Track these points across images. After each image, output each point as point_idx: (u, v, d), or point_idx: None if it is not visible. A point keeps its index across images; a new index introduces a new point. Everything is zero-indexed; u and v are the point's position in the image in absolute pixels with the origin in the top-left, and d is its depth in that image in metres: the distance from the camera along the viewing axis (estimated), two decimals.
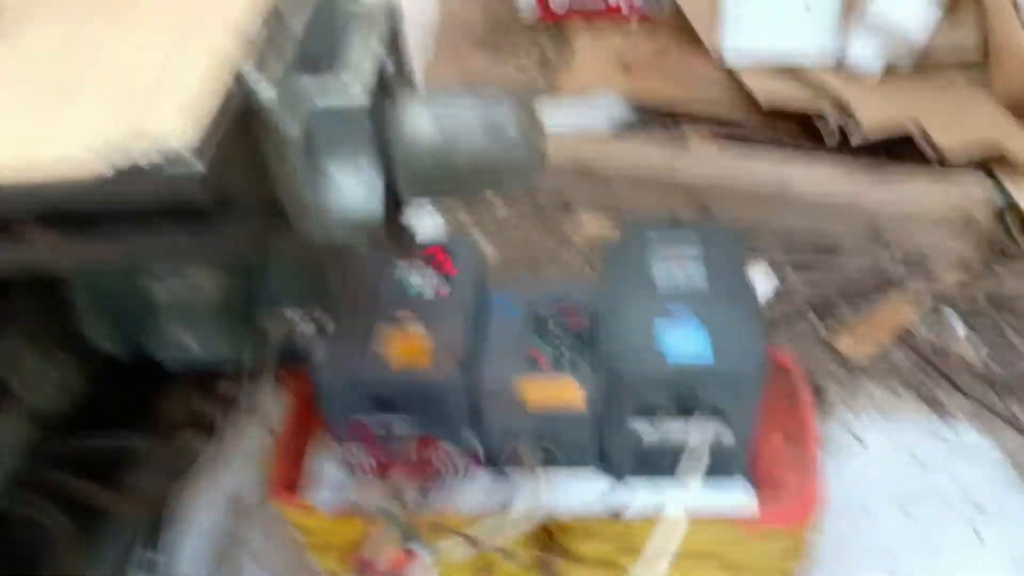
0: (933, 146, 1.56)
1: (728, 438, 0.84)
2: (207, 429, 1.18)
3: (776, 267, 1.60)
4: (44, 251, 0.53)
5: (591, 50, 2.09)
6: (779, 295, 1.55)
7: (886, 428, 1.32)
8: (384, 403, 0.85)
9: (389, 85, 0.61)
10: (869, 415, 1.35)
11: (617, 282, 0.90)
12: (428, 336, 0.87)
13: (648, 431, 0.84)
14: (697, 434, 0.83)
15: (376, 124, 0.57)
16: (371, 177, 0.57)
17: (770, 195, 1.63)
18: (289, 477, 0.96)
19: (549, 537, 0.96)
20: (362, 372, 0.84)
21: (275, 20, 0.57)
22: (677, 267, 0.90)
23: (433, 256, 0.96)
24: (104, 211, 0.51)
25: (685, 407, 0.82)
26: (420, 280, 0.93)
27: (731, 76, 1.81)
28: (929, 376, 1.39)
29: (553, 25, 2.19)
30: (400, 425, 0.87)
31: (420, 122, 0.60)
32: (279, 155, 0.54)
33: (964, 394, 1.35)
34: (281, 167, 0.55)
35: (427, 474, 0.88)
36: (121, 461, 1.12)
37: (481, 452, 0.91)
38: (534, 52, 2.24)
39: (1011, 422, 1.31)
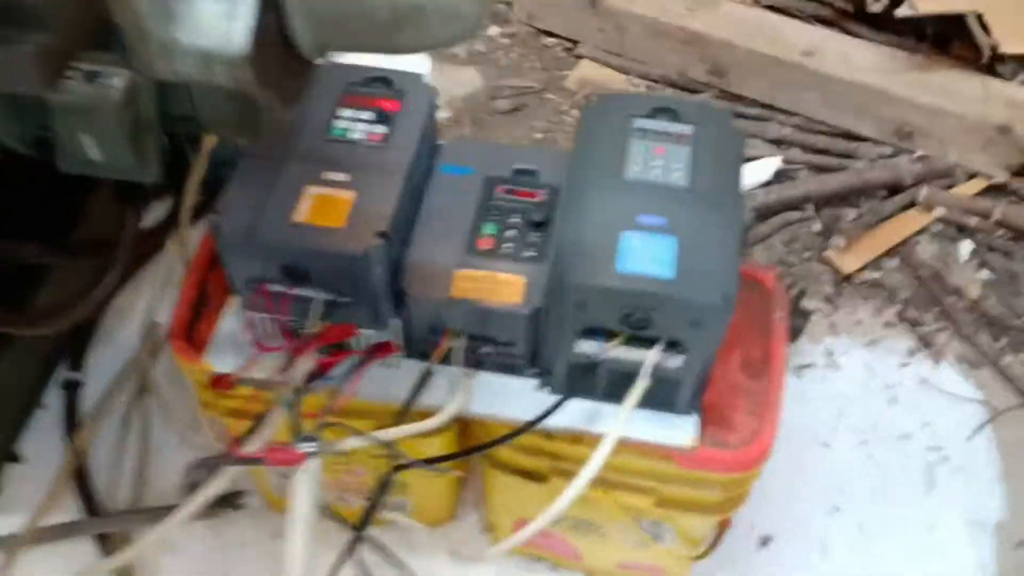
0: (988, 40, 1.36)
1: (680, 370, 0.72)
2: (126, 250, 1.05)
3: (785, 149, 1.44)
4: None
5: None
6: (782, 182, 1.39)
7: (865, 355, 1.21)
8: (291, 270, 0.71)
9: None
10: (851, 338, 1.23)
11: (585, 163, 0.74)
12: (349, 193, 0.72)
13: (591, 349, 0.71)
14: (645, 361, 0.70)
15: None
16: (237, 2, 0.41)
17: (794, 67, 1.44)
18: (188, 327, 0.84)
19: (467, 438, 0.86)
20: (263, 231, 0.70)
21: None
22: (658, 154, 0.74)
23: (371, 88, 0.79)
24: None
25: (636, 330, 0.69)
26: (349, 117, 0.77)
27: None
28: (924, 305, 1.27)
29: None
30: (310, 298, 0.73)
31: None
32: None
33: (955, 330, 1.23)
34: None
35: (335, 356, 0.75)
36: (30, 275, 1.01)
37: (402, 340, 0.78)
38: None
39: (998, 368, 1.20)
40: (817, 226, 1.35)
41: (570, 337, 0.72)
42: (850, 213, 1.36)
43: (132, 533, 1.03)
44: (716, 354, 0.73)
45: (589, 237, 0.69)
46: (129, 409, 1.14)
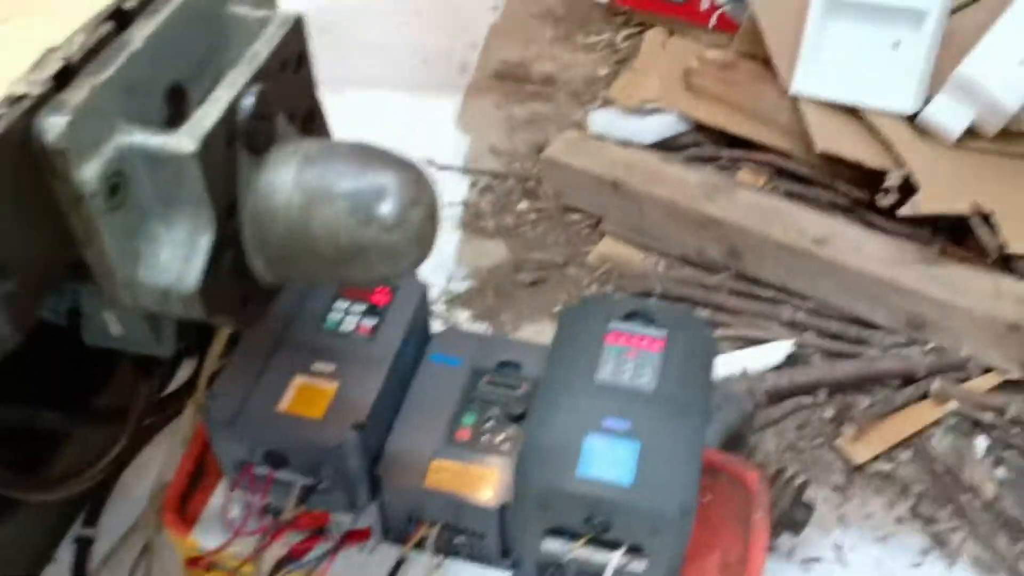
0: (996, 240, 1.38)
1: (643, 574, 0.72)
2: (137, 420, 1.10)
3: (798, 333, 1.45)
4: None
5: (657, 50, 1.95)
6: (794, 366, 1.39)
7: (876, 552, 1.18)
8: (272, 456, 0.75)
9: (253, 128, 0.49)
10: (861, 532, 1.20)
11: (559, 364, 0.78)
12: (333, 384, 0.77)
13: (556, 548, 0.72)
14: (608, 564, 0.71)
15: (214, 177, 0.46)
16: (193, 242, 0.46)
17: (806, 254, 1.47)
18: (182, 499, 0.87)
19: None
20: (247, 418, 0.74)
21: (107, 23, 0.46)
22: (630, 357, 0.77)
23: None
24: None
25: (599, 535, 0.70)
26: (343, 309, 0.82)
27: (796, 106, 1.64)
28: (938, 502, 1.23)
29: (629, 11, 2.11)
30: (290, 482, 0.76)
31: (279, 182, 0.49)
32: (72, 207, 0.43)
33: (971, 531, 1.19)
34: (79, 223, 0.44)
35: (311, 540, 0.78)
36: (50, 440, 1.06)
37: (378, 525, 0.80)
38: (605, 34, 2.14)
39: (1016, 573, 1.15)
40: (829, 412, 1.34)
41: (536, 535, 0.73)
42: (862, 401, 1.35)
43: None
44: (682, 557, 0.73)
45: (555, 439, 0.72)
46: (134, 569, 1.16)
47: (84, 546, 1.19)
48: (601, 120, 1.80)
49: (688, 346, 0.79)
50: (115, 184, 0.44)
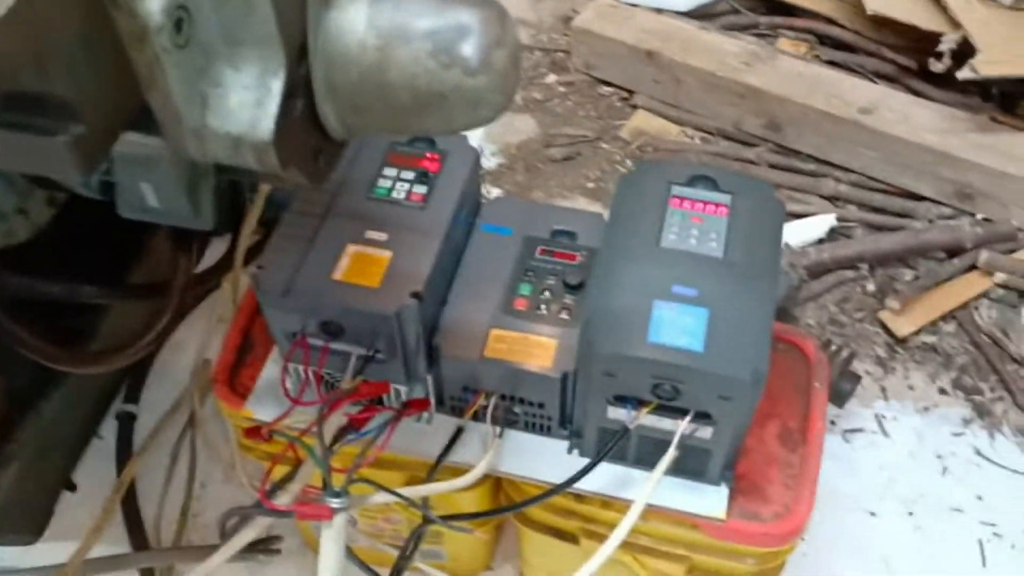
0: None
1: (710, 441, 0.71)
2: (179, 294, 1.09)
3: (840, 206, 1.41)
4: None
5: None
6: (835, 240, 1.37)
7: (917, 423, 1.18)
8: (328, 326, 0.73)
9: None
10: (903, 404, 1.20)
11: (621, 229, 0.74)
12: (387, 252, 0.74)
13: (621, 416, 0.71)
14: (674, 430, 0.70)
15: (286, 12, 0.42)
16: (264, 85, 0.43)
17: (851, 123, 1.42)
18: (232, 372, 0.86)
19: (500, 492, 0.86)
20: (301, 287, 0.72)
21: None
22: (695, 222, 0.74)
23: (415, 147, 0.81)
24: None
25: (666, 402, 0.69)
26: (393, 176, 0.79)
27: None
28: (981, 373, 1.23)
29: None
30: (345, 352, 0.75)
31: (351, 21, 0.44)
32: (137, 44, 0.40)
33: (1014, 401, 1.19)
34: (143, 62, 0.40)
35: (369, 411, 0.77)
36: (89, 311, 1.05)
37: (433, 396, 0.79)
38: None
39: None
40: (871, 286, 1.32)
41: (600, 403, 0.72)
42: (906, 274, 1.33)
43: (175, 567, 1.05)
44: (748, 426, 0.72)
45: (621, 304, 0.69)
46: (178, 443, 1.17)
47: (127, 421, 1.20)
48: None
49: (754, 212, 0.75)
50: (179, 19, 0.40)
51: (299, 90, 0.45)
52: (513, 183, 1.54)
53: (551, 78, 1.72)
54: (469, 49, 0.44)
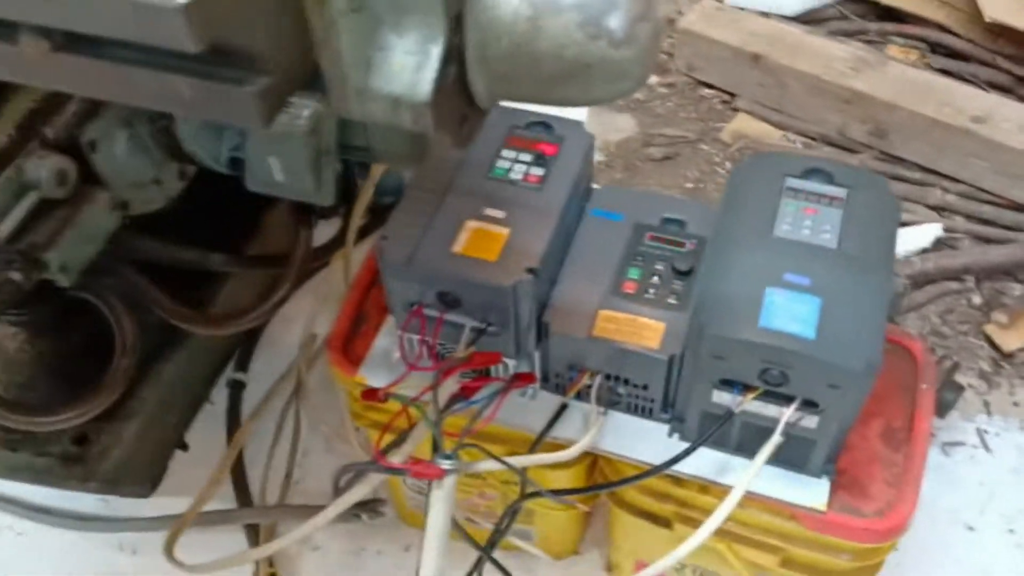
0: None
1: (815, 431, 0.71)
2: (298, 265, 1.14)
3: (946, 217, 1.39)
4: (37, 64, 0.45)
5: None
6: (941, 250, 1.34)
7: (1021, 441, 1.15)
8: (445, 297, 0.77)
9: None
10: (1006, 420, 1.17)
11: (734, 217, 0.76)
12: (504, 229, 0.77)
13: (726, 400, 0.72)
14: (780, 419, 0.70)
15: None
16: (425, 50, 0.46)
17: (961, 131, 1.39)
18: (346, 341, 0.90)
19: (596, 474, 0.88)
20: (423, 258, 0.75)
21: None
22: (808, 214, 0.75)
23: (533, 131, 0.84)
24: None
25: (773, 386, 0.69)
26: (511, 158, 0.82)
27: None
28: None
29: None
30: (461, 324, 0.78)
31: None
32: (316, 7, 0.43)
33: None
34: (320, 23, 0.44)
35: (479, 381, 0.79)
36: (208, 280, 1.11)
37: (539, 371, 0.82)
38: None
39: None
40: (977, 299, 1.29)
41: (706, 386, 0.73)
42: (1015, 288, 1.29)
43: (280, 527, 1.10)
44: (855, 418, 0.73)
45: (733, 290, 0.70)
46: (284, 412, 1.22)
47: (237, 389, 1.26)
48: None
49: (870, 205, 0.75)
50: None
51: (453, 57, 0.48)
52: (612, 181, 1.56)
53: (652, 79, 1.73)
54: (616, 22, 0.46)
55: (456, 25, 0.48)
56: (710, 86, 1.69)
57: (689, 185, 1.53)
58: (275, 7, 0.41)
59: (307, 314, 1.28)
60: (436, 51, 0.46)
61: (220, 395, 1.26)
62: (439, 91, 0.47)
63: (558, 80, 0.49)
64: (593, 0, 0.47)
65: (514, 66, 0.48)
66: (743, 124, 1.61)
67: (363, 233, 1.27)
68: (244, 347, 1.29)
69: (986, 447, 1.15)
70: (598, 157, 1.59)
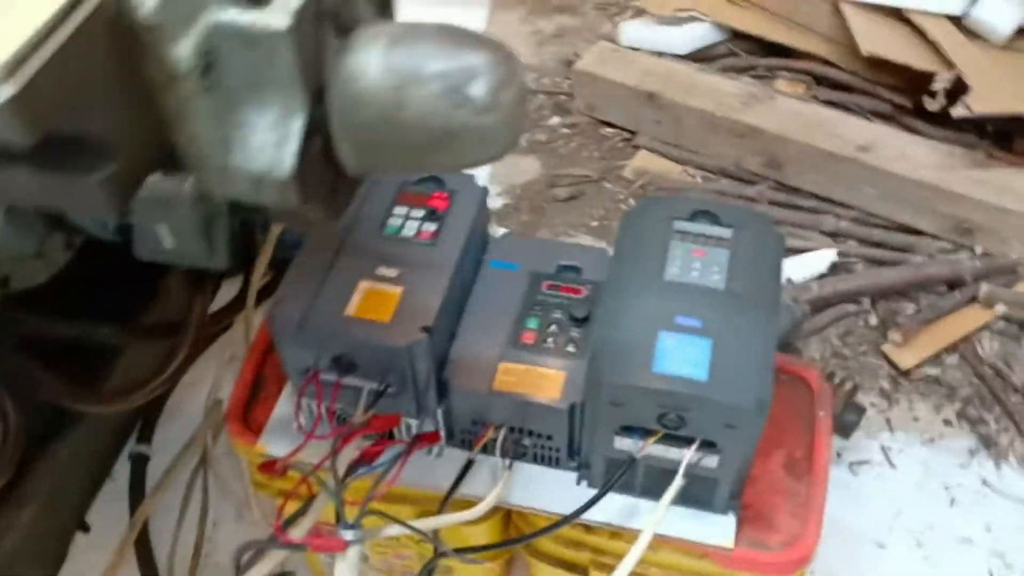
0: None
1: (716, 469, 0.72)
2: (193, 333, 1.11)
3: (841, 242, 1.44)
4: None
5: None
6: (837, 275, 1.39)
7: (924, 455, 1.18)
8: (340, 361, 0.75)
9: (339, 5, 0.47)
10: (908, 436, 1.21)
11: (625, 263, 0.77)
12: (398, 288, 0.76)
13: (628, 446, 0.73)
14: (682, 460, 0.71)
15: (306, 57, 0.45)
16: (285, 125, 0.45)
17: (850, 160, 1.45)
18: (245, 408, 0.88)
19: (510, 525, 0.87)
20: (315, 323, 0.74)
21: None
22: (697, 256, 0.76)
23: (424, 186, 0.84)
24: None
25: (672, 431, 0.70)
26: (403, 215, 0.81)
27: (837, 10, 1.60)
28: (985, 404, 1.24)
29: None
30: (359, 386, 0.76)
31: (367, 64, 0.47)
32: (166, 88, 0.42)
33: (1019, 432, 1.20)
34: (171, 105, 0.43)
35: (380, 444, 0.78)
36: (103, 353, 1.07)
37: (443, 429, 0.81)
38: None
39: None
40: (874, 320, 1.34)
41: (608, 433, 0.73)
42: (908, 308, 1.34)
43: None
44: (753, 454, 0.74)
45: (627, 336, 0.71)
46: (190, 483, 1.18)
47: (140, 462, 1.21)
48: (633, 31, 1.76)
49: (755, 244, 0.77)
50: (207, 64, 0.42)
51: (317, 129, 0.47)
52: (519, 223, 1.57)
53: (554, 120, 1.76)
54: (478, 89, 0.47)
55: (319, 97, 0.47)
56: (611, 125, 1.72)
57: (594, 223, 1.55)
58: (118, 92, 0.40)
59: (211, 379, 1.24)
60: (297, 126, 0.45)
61: (123, 470, 1.21)
62: (303, 165, 0.46)
63: (426, 148, 0.48)
64: (455, 69, 0.47)
65: (381, 136, 0.48)
66: (644, 161, 1.65)
67: (268, 291, 1.24)
68: (146, 418, 1.24)
69: (891, 463, 1.18)
70: (504, 200, 1.61)
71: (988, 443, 1.19)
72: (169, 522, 1.14)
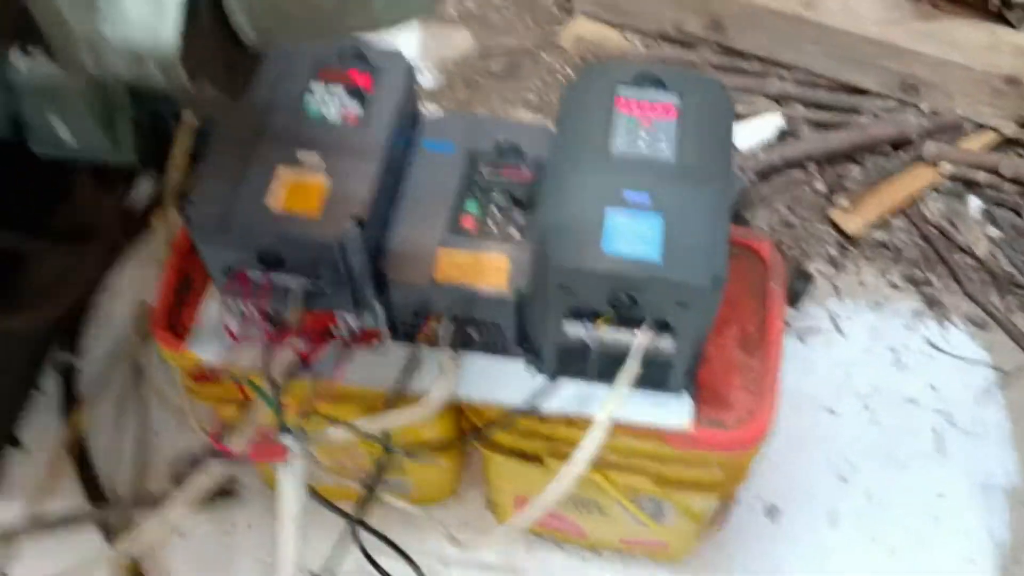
0: None
1: (671, 350, 0.69)
2: (107, 235, 1.03)
3: (786, 105, 1.39)
4: None
5: None
6: (784, 142, 1.35)
7: (871, 319, 1.18)
8: (267, 257, 0.69)
9: None
10: (856, 302, 1.20)
11: (568, 138, 0.71)
12: (324, 178, 0.70)
13: (578, 331, 0.69)
14: (634, 343, 0.68)
15: None
16: None
17: (794, 19, 1.39)
18: (171, 313, 0.82)
19: (463, 417, 0.85)
20: (236, 219, 0.67)
21: None
22: (644, 127, 0.71)
23: (345, 65, 0.76)
24: None
25: (624, 313, 0.67)
26: (324, 98, 0.74)
27: None
28: (930, 264, 1.23)
29: None
30: (288, 284, 0.71)
31: None
32: None
33: (964, 291, 1.20)
34: None
35: (318, 344, 0.73)
36: (18, 264, 0.99)
37: (384, 324, 0.76)
38: None
39: (1006, 328, 1.17)
40: (821, 185, 1.31)
41: (557, 319, 0.70)
42: (854, 171, 1.32)
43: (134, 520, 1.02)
44: (708, 333, 0.71)
45: (573, 215, 0.66)
46: (125, 391, 1.13)
47: (68, 374, 1.15)
48: None
49: (704, 111, 0.72)
50: None
51: None
52: (453, 100, 1.49)
53: None
54: None
55: None
56: None
57: (532, 97, 1.48)
58: None
59: (137, 283, 1.17)
60: None
61: (53, 383, 1.15)
62: (191, 35, 0.39)
63: (336, 7, 0.42)
64: None
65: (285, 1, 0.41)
66: (581, 28, 1.56)
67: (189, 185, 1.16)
68: (69, 327, 1.17)
69: (839, 330, 1.18)
70: (436, 77, 1.52)
71: (933, 304, 1.20)
72: (107, 433, 1.09)
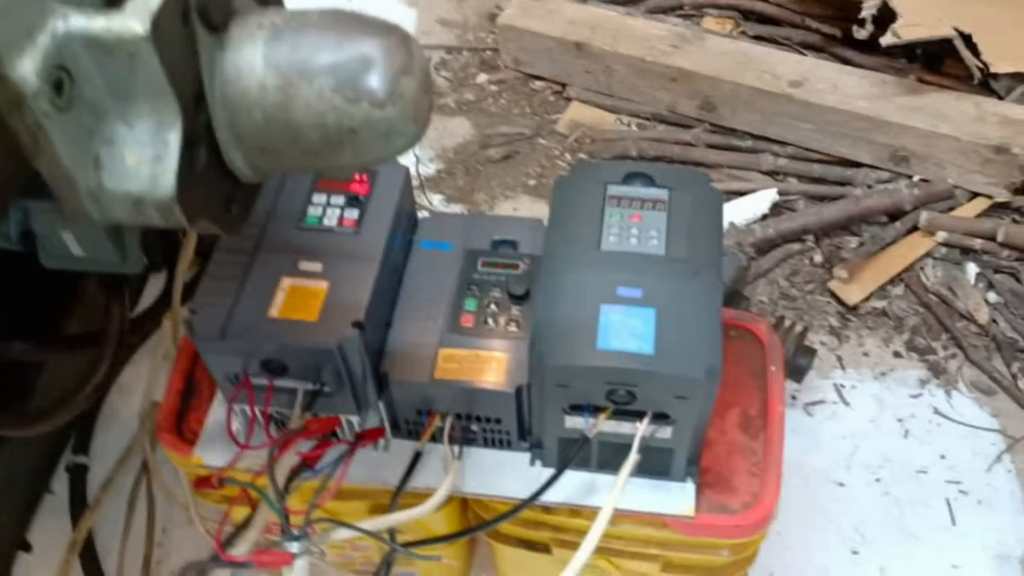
0: (978, 60, 1.34)
1: (671, 440, 0.70)
2: (114, 341, 1.05)
3: (780, 180, 1.42)
4: None
5: None
6: (779, 215, 1.37)
7: (876, 389, 1.19)
8: (270, 364, 0.71)
9: (211, 3, 0.42)
10: (860, 372, 1.21)
11: (561, 236, 0.73)
12: (323, 283, 0.72)
13: (579, 425, 0.70)
14: (636, 434, 0.69)
15: (174, 60, 0.40)
16: (161, 139, 0.40)
17: (783, 97, 1.42)
18: (178, 417, 0.83)
19: (468, 511, 0.85)
20: (237, 328, 0.69)
21: None
22: (635, 220, 0.73)
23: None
24: None
25: (623, 406, 0.68)
26: (322, 203, 0.77)
27: None
28: (933, 332, 1.24)
29: None
30: (291, 389, 0.72)
31: (248, 62, 0.42)
32: (15, 113, 0.37)
33: (967, 357, 1.20)
34: (23, 131, 0.38)
35: (322, 448, 0.74)
36: (29, 373, 1.01)
37: (387, 422, 0.77)
38: None
39: (1012, 394, 1.17)
40: (818, 257, 1.33)
41: (557, 414, 0.71)
42: (851, 242, 1.34)
43: None
44: (708, 421, 0.72)
45: (567, 313, 0.68)
46: (134, 491, 1.13)
47: (78, 474, 1.16)
48: None
49: (692, 204, 0.74)
50: (59, 80, 0.37)
51: (201, 139, 0.43)
52: (454, 188, 1.52)
53: (482, 77, 1.70)
54: (375, 81, 0.42)
55: (198, 104, 0.42)
56: (540, 78, 1.67)
57: (532, 182, 1.51)
58: None
59: (145, 381, 1.19)
60: (174, 137, 0.41)
61: (62, 483, 1.16)
62: (188, 180, 0.42)
63: (324, 150, 0.44)
64: (346, 60, 0.42)
65: (272, 141, 0.44)
66: (577, 113, 1.61)
67: (196, 283, 1.18)
68: (81, 427, 1.19)
69: (845, 401, 1.18)
70: (437, 166, 1.56)
71: (937, 371, 1.20)
72: (115, 533, 1.10)
